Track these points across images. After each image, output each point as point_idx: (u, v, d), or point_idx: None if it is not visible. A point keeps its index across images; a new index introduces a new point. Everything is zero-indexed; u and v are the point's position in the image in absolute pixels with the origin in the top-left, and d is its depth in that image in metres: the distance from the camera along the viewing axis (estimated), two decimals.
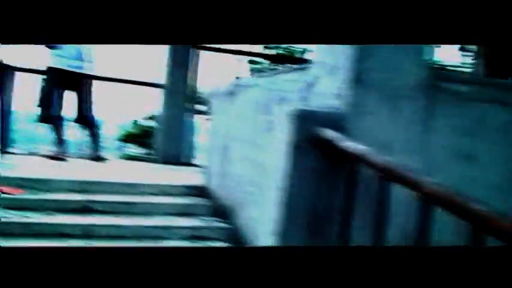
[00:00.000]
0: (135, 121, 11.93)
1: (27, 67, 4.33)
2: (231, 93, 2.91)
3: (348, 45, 1.80)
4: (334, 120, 1.74)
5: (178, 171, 3.97)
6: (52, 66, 3.90)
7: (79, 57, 3.93)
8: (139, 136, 11.23)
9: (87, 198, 2.63)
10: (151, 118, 10.71)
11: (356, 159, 1.49)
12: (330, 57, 1.92)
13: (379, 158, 1.40)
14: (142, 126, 11.46)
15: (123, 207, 2.65)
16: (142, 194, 2.87)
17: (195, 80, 4.72)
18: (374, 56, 1.79)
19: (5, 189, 2.42)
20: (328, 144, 1.65)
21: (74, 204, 2.58)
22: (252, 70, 7.57)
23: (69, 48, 3.86)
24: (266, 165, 2.26)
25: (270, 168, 2.19)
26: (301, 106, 1.97)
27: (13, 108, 4.43)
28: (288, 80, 2.38)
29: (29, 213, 2.36)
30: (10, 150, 4.27)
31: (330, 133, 1.67)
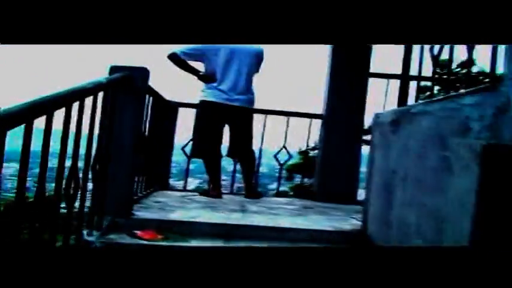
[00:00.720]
0: (300, 150, 11.81)
1: (189, 102, 4.39)
2: (394, 123, 2.42)
3: None
4: None
5: (335, 211, 3.57)
6: (207, 99, 3.87)
7: (239, 89, 3.85)
8: (304, 166, 11.06)
9: (229, 246, 2.38)
10: (313, 149, 10.52)
11: None
12: None
13: None
14: (307, 156, 11.29)
15: None
16: (291, 241, 2.53)
17: (360, 107, 4.29)
18: None
19: (140, 233, 2.29)
20: None
21: None
22: (421, 94, 6.76)
23: (227, 80, 3.80)
24: (442, 214, 1.74)
25: (448, 219, 1.68)
26: (491, 139, 1.44)
27: (174, 143, 4.54)
28: (469, 104, 1.84)
29: None
30: (167, 186, 4.35)
31: None
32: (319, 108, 4.53)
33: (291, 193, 7.58)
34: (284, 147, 4.65)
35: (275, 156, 4.73)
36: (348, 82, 4.25)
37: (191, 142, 4.21)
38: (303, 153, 11.49)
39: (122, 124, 2.54)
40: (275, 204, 3.83)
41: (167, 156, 4.41)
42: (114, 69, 2.60)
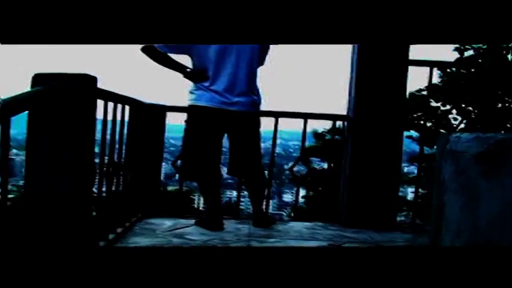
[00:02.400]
0: (315, 132, 10.85)
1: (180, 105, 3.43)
2: (487, 158, 1.46)
3: None
4: None
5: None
6: (197, 104, 2.93)
7: (238, 89, 2.89)
8: (321, 150, 10.14)
9: None
10: (329, 132, 9.59)
11: None
12: None
13: None
14: (325, 139, 10.36)
15: None
16: None
17: (400, 106, 3.31)
18: None
19: None
20: None
21: None
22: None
23: (223, 78, 2.86)
24: None
25: None
26: None
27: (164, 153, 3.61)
28: None
29: None
30: (155, 211, 3.43)
31: None
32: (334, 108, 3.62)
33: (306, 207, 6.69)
34: (300, 158, 3.70)
35: (291, 169, 3.79)
36: (381, 74, 3.26)
37: (182, 160, 3.24)
38: (319, 137, 10.59)
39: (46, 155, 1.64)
40: (293, 237, 2.94)
41: (155, 173, 3.50)
42: (38, 79, 1.68)
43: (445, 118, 5.94)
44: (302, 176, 4.57)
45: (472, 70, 5.74)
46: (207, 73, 2.85)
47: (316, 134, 10.53)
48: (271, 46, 3.06)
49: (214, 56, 2.82)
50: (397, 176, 3.34)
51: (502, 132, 5.15)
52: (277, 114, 3.43)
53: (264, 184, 3.26)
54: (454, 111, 6.03)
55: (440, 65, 4.21)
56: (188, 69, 2.94)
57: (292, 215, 10.93)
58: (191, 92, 2.94)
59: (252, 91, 2.95)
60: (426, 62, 3.45)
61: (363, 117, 3.29)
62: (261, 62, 3.05)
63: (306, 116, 3.47)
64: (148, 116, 3.20)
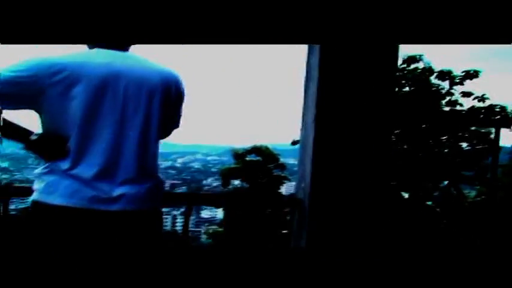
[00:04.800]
0: (235, 152, 10.57)
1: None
2: None
3: None
4: None
5: None
6: (46, 202, 1.21)
7: (123, 173, 1.26)
8: (242, 171, 9.88)
9: None
10: (249, 152, 9.34)
11: None
12: None
13: None
14: (244, 160, 10.12)
15: None
16: None
17: (383, 123, 2.35)
18: None
19: None
20: None
21: None
22: None
23: (95, 153, 1.71)
24: None
25: None
26: None
27: None
28: None
29: None
30: None
31: None
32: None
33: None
34: None
35: None
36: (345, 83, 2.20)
37: None
38: (239, 157, 10.33)
39: None
40: None
41: None
42: None
43: None
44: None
45: None
46: (66, 145, 1.63)
47: (236, 155, 10.23)
48: (185, 99, 1.84)
49: (81, 114, 1.59)
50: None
51: None
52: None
53: None
54: None
55: None
56: (34, 136, 1.66)
57: (210, 231, 10.54)
58: (38, 178, 1.68)
59: (148, 174, 1.72)
60: None
61: (332, 141, 2.06)
62: (172, 121, 1.82)
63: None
64: None
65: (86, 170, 1.63)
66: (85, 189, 1.62)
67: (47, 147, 1.68)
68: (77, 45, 1.79)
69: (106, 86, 1.59)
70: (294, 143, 5.85)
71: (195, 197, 2.38)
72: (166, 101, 1.70)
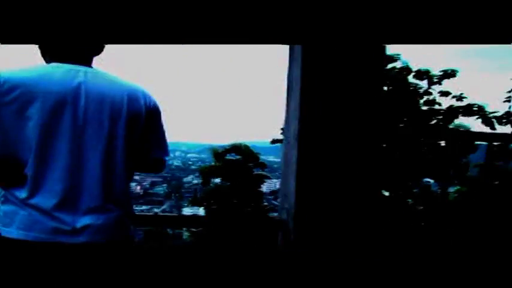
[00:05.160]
0: (214, 151, 10.43)
1: None
2: None
3: None
4: None
5: None
6: (2, 235, 1.54)
7: (87, 201, 1.55)
8: (222, 169, 9.78)
9: None
10: (228, 151, 9.26)
11: None
12: None
13: None
14: (224, 159, 10.03)
15: None
16: None
17: (373, 129, 2.37)
18: None
19: None
20: None
21: None
22: None
23: (54, 182, 1.47)
24: None
25: None
26: None
27: None
28: None
29: None
30: None
31: None
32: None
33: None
34: None
35: None
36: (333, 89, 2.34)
37: None
38: (219, 157, 10.21)
39: None
40: None
41: None
42: None
43: None
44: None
45: None
46: (22, 171, 1.44)
47: (216, 154, 10.10)
48: (161, 111, 1.70)
49: (36, 137, 1.42)
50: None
51: None
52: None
53: None
54: None
55: None
56: None
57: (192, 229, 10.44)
58: None
59: (116, 201, 1.54)
60: None
61: (317, 152, 2.08)
62: (146, 154, 1.68)
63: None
64: None
65: (45, 198, 1.45)
66: (45, 220, 1.43)
67: (1, 174, 1.46)
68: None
69: (64, 104, 1.43)
70: (273, 141, 5.84)
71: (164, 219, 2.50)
72: (133, 120, 1.53)
